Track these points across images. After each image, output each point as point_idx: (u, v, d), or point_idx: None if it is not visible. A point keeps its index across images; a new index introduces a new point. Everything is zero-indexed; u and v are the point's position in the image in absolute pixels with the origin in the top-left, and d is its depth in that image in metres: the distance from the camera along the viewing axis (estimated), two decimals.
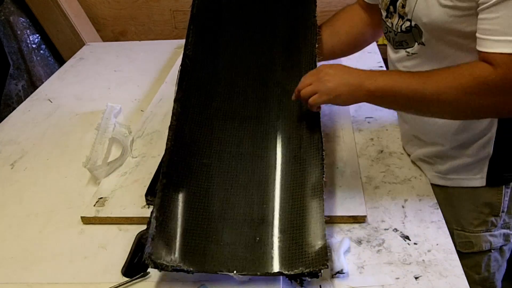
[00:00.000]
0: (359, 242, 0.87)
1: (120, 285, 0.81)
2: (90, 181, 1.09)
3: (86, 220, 0.96)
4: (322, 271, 0.77)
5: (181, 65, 1.06)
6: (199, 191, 0.90)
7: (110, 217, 0.95)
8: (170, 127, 0.97)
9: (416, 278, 0.79)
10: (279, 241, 0.83)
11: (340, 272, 0.80)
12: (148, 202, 0.97)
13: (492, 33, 0.74)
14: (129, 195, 1.00)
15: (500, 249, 1.03)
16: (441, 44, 0.86)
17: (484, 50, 0.75)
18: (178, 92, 1.02)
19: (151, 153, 1.14)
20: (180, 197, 0.89)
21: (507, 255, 1.06)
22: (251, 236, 0.84)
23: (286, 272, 0.78)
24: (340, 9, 1.16)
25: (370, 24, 1.10)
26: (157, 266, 0.77)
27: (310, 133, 0.95)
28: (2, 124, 1.36)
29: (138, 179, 1.05)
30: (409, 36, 0.90)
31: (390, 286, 0.79)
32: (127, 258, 0.87)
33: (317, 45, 1.07)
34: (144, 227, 0.93)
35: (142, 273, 0.82)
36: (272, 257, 0.81)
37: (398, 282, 0.79)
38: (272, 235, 0.84)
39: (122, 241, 0.91)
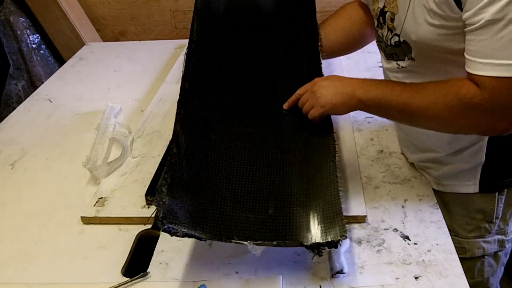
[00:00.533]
0: (359, 242, 0.87)
1: (120, 285, 0.81)
2: (90, 181, 1.09)
3: (86, 220, 0.96)
4: (341, 241, 0.75)
5: (187, 48, 1.06)
6: (209, 163, 0.88)
7: (110, 217, 0.95)
8: (178, 102, 0.95)
9: (416, 278, 0.79)
10: (294, 214, 0.81)
11: (340, 272, 0.80)
12: (148, 202, 0.97)
13: (478, 55, 0.73)
14: (129, 195, 1.00)
15: (495, 255, 1.03)
16: (431, 60, 0.86)
17: (471, 71, 0.75)
18: (185, 71, 1.01)
19: (151, 153, 1.14)
20: (190, 166, 0.86)
21: (503, 260, 1.05)
22: (264, 209, 0.82)
23: (305, 243, 0.76)
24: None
25: (369, 23, 1.10)
26: (169, 230, 0.74)
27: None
28: (2, 124, 1.36)
29: (138, 179, 1.05)
30: (399, 50, 0.90)
31: (390, 286, 0.79)
32: (127, 258, 0.87)
33: (320, 43, 1.07)
34: (144, 227, 0.94)
35: (142, 273, 0.82)
36: (287, 229, 0.79)
37: (398, 282, 0.79)
38: (285, 208, 0.82)
39: (122, 241, 0.91)
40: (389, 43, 0.91)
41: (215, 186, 0.85)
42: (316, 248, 0.76)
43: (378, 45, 0.99)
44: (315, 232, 0.78)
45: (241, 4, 1.20)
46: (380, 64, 1.50)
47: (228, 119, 0.98)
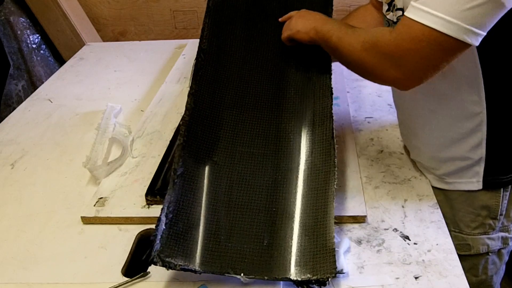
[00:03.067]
0: (359, 242, 0.87)
1: (120, 285, 0.81)
2: (90, 181, 1.09)
3: (86, 220, 0.96)
4: (329, 279, 0.76)
5: (196, 58, 1.05)
6: (209, 190, 0.89)
7: (110, 217, 0.95)
8: (183, 123, 0.95)
9: (416, 278, 0.79)
10: (288, 246, 0.82)
11: (340, 272, 0.80)
12: (148, 202, 0.97)
13: None
14: (129, 195, 1.00)
15: (498, 252, 1.03)
16: None
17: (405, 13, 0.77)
18: (192, 86, 1.01)
19: (151, 153, 1.14)
20: (191, 195, 0.87)
21: (506, 258, 1.05)
22: (260, 239, 0.83)
23: (294, 278, 0.77)
24: (353, 9, 1.16)
25: (382, 24, 1.10)
26: (165, 264, 0.77)
27: (322, 137, 0.94)
28: (2, 124, 1.36)
29: (138, 179, 1.05)
30: None
31: (390, 286, 0.79)
32: (127, 258, 0.87)
33: None
34: (144, 227, 0.94)
35: (142, 273, 0.82)
36: (280, 262, 0.80)
37: (398, 282, 0.79)
38: (280, 240, 0.83)
39: (122, 241, 0.91)
40: (394, 21, 0.91)
41: (213, 214, 0.86)
42: (306, 284, 0.77)
43: None
44: (306, 269, 0.78)
45: (257, 2, 1.18)
46: None
47: (233, 138, 0.97)
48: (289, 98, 1.04)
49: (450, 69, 0.82)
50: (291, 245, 0.82)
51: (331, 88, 1.00)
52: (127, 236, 0.92)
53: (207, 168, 0.92)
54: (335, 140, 0.92)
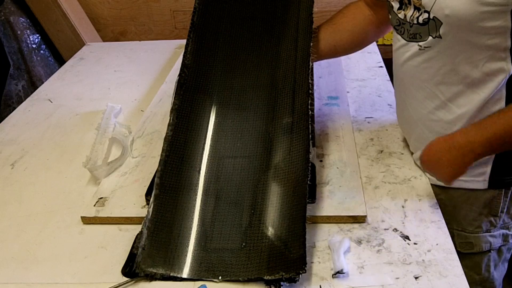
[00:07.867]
0: (359, 242, 0.87)
1: (120, 285, 0.81)
2: (90, 181, 1.09)
3: (86, 220, 0.96)
4: (300, 275, 0.78)
5: (179, 74, 1.07)
6: (192, 199, 0.92)
7: (110, 217, 0.95)
8: (165, 138, 0.98)
9: (416, 278, 0.79)
10: (263, 246, 0.84)
11: (340, 272, 0.80)
12: (148, 202, 0.97)
13: None
14: (129, 195, 1.00)
15: (499, 250, 1.03)
16: (459, 38, 0.85)
17: None
18: (174, 102, 1.03)
19: (151, 153, 1.14)
20: (173, 206, 0.91)
21: (506, 255, 1.06)
22: (238, 242, 0.85)
23: (266, 277, 0.79)
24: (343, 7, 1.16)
25: (373, 22, 1.09)
26: (147, 275, 0.81)
27: (300, 138, 0.95)
28: (2, 124, 1.36)
29: (138, 179, 1.05)
30: (424, 29, 0.89)
31: (390, 286, 0.79)
32: (127, 258, 0.87)
33: (311, 44, 1.06)
34: None
35: None
36: (254, 263, 0.82)
37: (398, 282, 0.79)
38: (257, 241, 0.85)
39: (122, 241, 0.91)
40: (415, 22, 0.90)
41: (195, 221, 0.89)
42: (277, 282, 0.78)
43: (397, 29, 0.97)
44: (278, 267, 0.79)
45: (241, 11, 1.19)
46: (381, 64, 1.52)
47: (215, 146, 0.99)
48: (270, 100, 1.05)
49: (484, 80, 0.86)
50: (266, 245, 0.83)
51: (309, 83, 1.00)
52: (127, 236, 0.92)
53: (190, 179, 0.95)
54: (310, 136, 0.94)
